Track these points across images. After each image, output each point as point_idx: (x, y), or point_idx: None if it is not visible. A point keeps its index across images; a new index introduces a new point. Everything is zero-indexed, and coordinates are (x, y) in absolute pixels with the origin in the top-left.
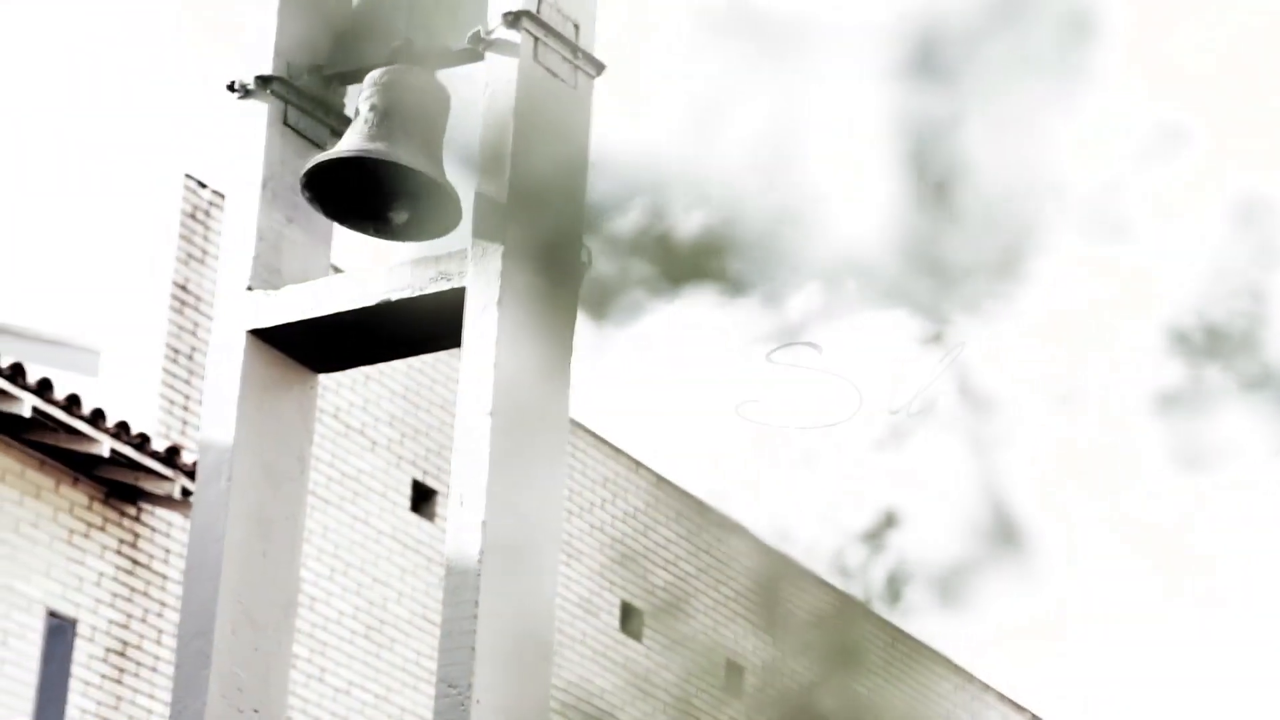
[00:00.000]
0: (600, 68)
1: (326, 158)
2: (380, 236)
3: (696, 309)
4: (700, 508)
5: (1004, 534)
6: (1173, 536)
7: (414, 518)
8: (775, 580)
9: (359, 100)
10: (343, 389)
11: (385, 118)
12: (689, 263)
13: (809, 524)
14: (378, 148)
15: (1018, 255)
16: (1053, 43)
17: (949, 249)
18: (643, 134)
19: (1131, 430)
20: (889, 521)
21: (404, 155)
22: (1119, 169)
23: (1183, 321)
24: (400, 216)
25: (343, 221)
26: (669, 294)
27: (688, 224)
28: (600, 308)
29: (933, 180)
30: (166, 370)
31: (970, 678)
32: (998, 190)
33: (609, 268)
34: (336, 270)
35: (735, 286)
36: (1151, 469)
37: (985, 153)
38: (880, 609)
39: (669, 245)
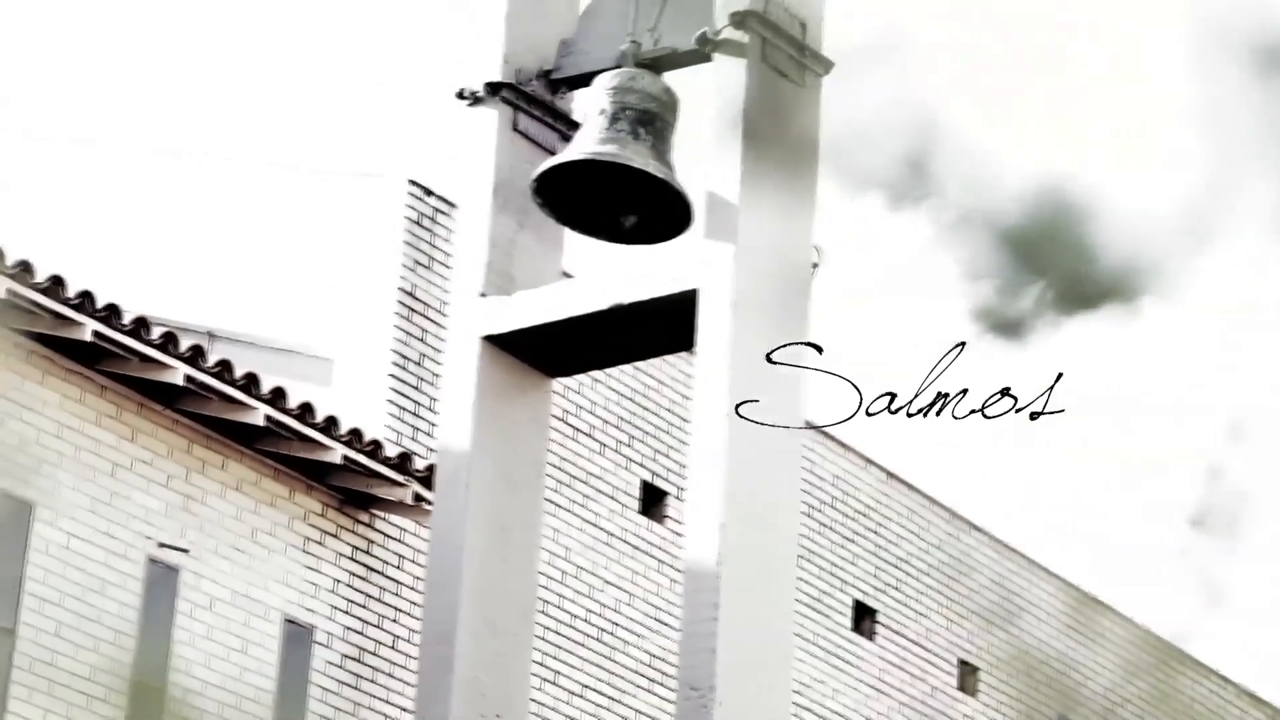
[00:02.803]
0: (829, 66)
1: (558, 161)
2: (610, 240)
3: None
4: (931, 504)
5: None
6: None
7: (644, 520)
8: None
9: (588, 104)
10: (570, 391)
11: (615, 121)
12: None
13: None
14: (608, 150)
15: None
16: None
17: None
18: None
19: None
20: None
21: (634, 158)
22: None
23: None
24: (630, 220)
25: (573, 226)
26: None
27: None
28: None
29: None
30: (395, 377)
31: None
32: None
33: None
34: (567, 275)
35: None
36: None
37: None
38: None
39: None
